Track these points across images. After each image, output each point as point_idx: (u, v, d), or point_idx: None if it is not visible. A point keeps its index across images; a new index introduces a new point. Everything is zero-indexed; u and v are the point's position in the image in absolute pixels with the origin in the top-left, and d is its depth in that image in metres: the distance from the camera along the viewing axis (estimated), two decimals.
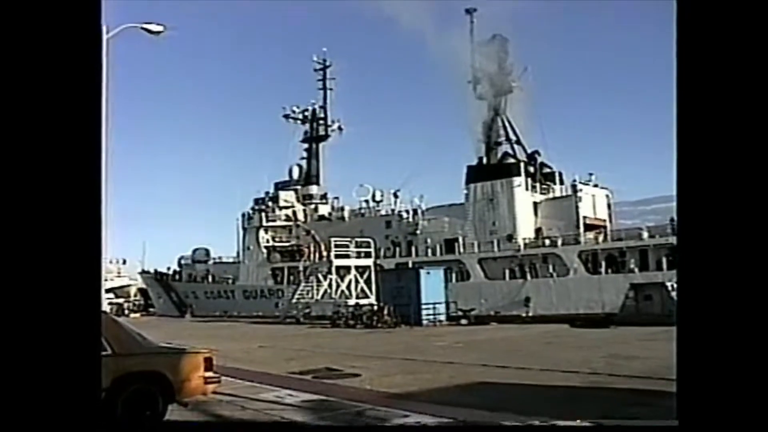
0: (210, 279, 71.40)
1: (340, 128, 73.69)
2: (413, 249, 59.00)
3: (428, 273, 41.24)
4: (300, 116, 73.75)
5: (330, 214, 68.82)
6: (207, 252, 76.08)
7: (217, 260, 75.45)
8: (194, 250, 76.39)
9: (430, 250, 57.48)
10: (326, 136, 73.74)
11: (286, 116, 73.37)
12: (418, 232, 59.93)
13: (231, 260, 73.80)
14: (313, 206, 70.66)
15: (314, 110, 74.03)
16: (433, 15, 73.47)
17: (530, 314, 42.11)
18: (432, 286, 39.92)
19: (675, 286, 32.39)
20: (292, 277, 59.71)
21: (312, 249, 50.70)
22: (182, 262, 75.80)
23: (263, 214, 69.42)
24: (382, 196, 65.98)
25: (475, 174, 58.52)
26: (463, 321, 38.88)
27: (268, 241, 68.94)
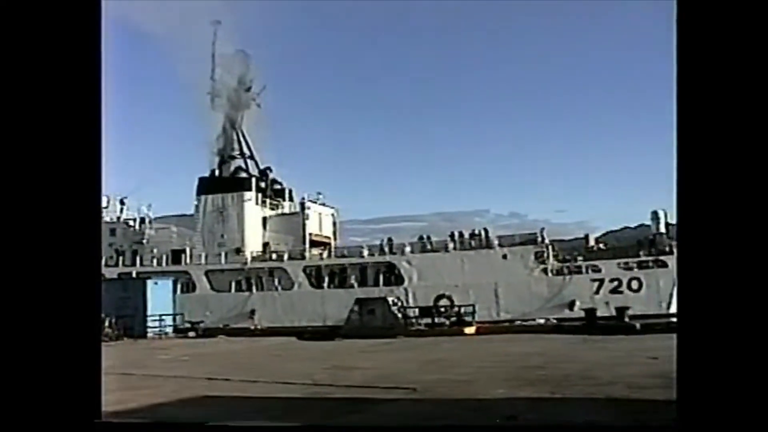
0: None
1: None
2: (138, 258, 57.03)
3: (156, 284, 40.16)
4: None
5: None
6: None
7: None
8: None
9: (156, 261, 55.92)
10: None
11: None
12: (144, 241, 58.04)
13: None
14: None
15: None
16: (179, 23, 71.51)
17: (259, 327, 42.68)
18: (159, 297, 38.92)
19: (395, 301, 34.83)
20: None
21: None
22: None
23: None
24: (108, 202, 62.87)
25: (206, 186, 58.18)
26: (191, 333, 38.25)
27: None
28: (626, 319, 28.89)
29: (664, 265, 47.23)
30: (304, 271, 53.88)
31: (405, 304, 38.92)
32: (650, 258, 47.76)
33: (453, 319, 33.81)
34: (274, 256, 55.29)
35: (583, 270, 48.59)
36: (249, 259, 54.85)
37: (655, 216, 49.48)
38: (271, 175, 61.61)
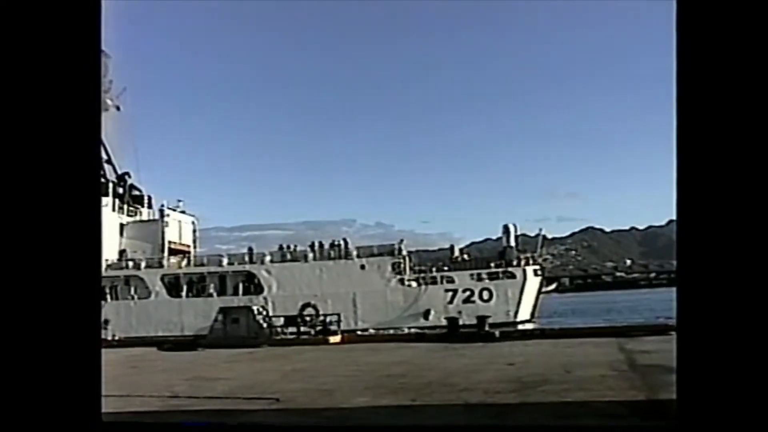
0: None
1: None
2: None
3: None
4: None
5: None
6: None
7: None
8: None
9: None
10: None
11: None
12: None
13: None
14: None
15: None
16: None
17: (116, 337, 40.95)
18: None
19: (260, 310, 34.37)
20: None
21: None
22: None
23: None
24: None
25: None
26: None
27: None
28: (486, 328, 29.98)
29: (513, 276, 49.81)
30: (161, 279, 52.61)
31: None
32: (500, 270, 50.13)
33: (318, 328, 33.83)
34: (130, 264, 53.55)
35: (438, 281, 50.18)
36: (104, 267, 52.73)
37: (506, 230, 52.14)
38: (129, 181, 59.74)
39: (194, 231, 61.27)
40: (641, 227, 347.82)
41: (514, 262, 50.43)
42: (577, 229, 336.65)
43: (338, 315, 36.09)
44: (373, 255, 51.86)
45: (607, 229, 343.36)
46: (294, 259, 52.75)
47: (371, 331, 41.34)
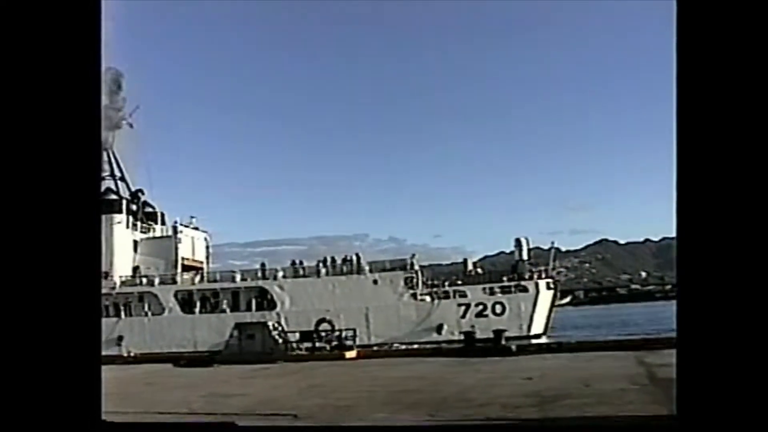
0: None
1: None
2: None
3: None
4: None
5: None
6: None
7: None
8: None
9: None
10: None
11: None
12: None
13: None
14: None
15: None
16: None
17: (132, 353, 40.93)
18: None
19: (275, 325, 34.33)
20: None
21: None
22: None
23: None
24: None
25: None
26: None
27: None
28: (503, 342, 29.78)
29: (525, 290, 49.59)
30: (175, 296, 52.77)
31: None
32: (512, 284, 49.95)
33: (334, 343, 33.74)
34: (144, 280, 53.78)
35: (451, 295, 50.04)
36: (118, 283, 52.95)
37: (518, 243, 51.97)
38: (142, 198, 60.06)
39: (207, 247, 61.47)
40: (656, 239, 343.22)
41: (527, 276, 50.26)
42: (590, 242, 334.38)
43: (354, 330, 35.99)
44: (385, 270, 51.80)
45: (621, 241, 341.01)
46: (307, 275, 52.77)
47: (394, 345, 41.17)
